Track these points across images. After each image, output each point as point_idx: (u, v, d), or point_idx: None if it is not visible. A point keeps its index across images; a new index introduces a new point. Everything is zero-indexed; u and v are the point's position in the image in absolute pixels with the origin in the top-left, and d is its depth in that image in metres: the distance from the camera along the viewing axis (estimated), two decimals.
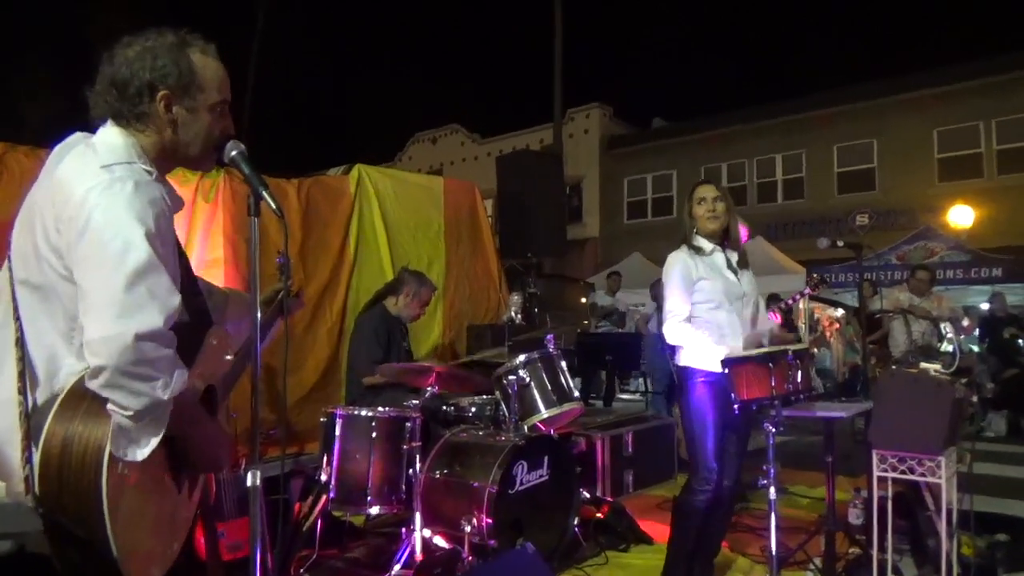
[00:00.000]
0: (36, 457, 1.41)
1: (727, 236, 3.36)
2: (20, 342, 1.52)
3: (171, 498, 1.65)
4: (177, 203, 1.73)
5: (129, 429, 1.42)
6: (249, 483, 1.67)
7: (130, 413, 1.40)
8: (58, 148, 1.61)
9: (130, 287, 1.41)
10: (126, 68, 1.60)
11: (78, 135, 1.63)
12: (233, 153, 1.71)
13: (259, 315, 1.69)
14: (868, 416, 3.65)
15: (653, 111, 24.87)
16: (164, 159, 1.69)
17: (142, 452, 1.44)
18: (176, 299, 1.49)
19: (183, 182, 4.31)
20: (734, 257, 3.36)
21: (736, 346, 3.19)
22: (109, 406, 1.41)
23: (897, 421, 3.14)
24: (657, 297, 7.98)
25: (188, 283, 1.77)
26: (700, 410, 3.17)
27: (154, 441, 1.45)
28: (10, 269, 1.58)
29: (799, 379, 2.97)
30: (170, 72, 1.60)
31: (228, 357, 1.86)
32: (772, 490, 3.00)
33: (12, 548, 1.23)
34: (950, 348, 6.46)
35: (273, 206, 1.64)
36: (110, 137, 1.60)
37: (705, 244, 3.32)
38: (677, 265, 3.27)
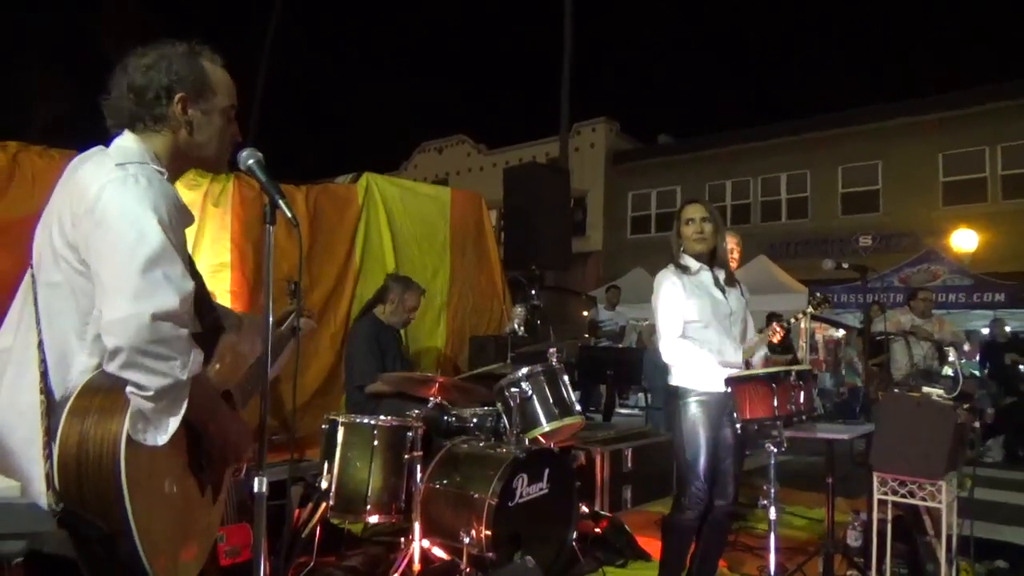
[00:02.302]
0: (54, 453, 1.43)
1: (714, 255, 3.39)
2: (41, 345, 1.55)
3: (194, 500, 1.67)
4: (187, 217, 1.77)
5: (148, 411, 1.44)
6: (256, 489, 1.68)
7: (149, 393, 1.43)
8: (77, 158, 1.66)
9: (146, 271, 1.45)
10: (143, 75, 1.67)
11: (97, 147, 1.69)
12: (250, 162, 1.75)
13: (271, 333, 1.72)
14: (868, 438, 3.66)
15: (659, 127, 25.01)
16: (177, 161, 1.74)
17: (162, 436, 1.46)
18: (190, 284, 1.53)
19: (194, 186, 4.34)
20: (721, 275, 3.38)
21: (735, 359, 3.20)
22: (128, 388, 1.43)
23: (899, 445, 3.15)
24: None
25: (201, 298, 1.80)
26: (693, 430, 3.17)
27: (173, 424, 1.47)
28: (33, 276, 1.62)
29: (801, 400, 2.98)
30: (185, 76, 1.68)
31: (242, 354, 1.88)
32: (773, 510, 3.01)
33: (25, 548, 1.23)
34: (951, 372, 6.46)
35: (289, 215, 1.68)
36: (125, 143, 1.67)
37: (691, 263, 3.34)
38: (665, 284, 3.29)
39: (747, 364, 3.31)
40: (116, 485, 1.38)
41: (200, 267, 4.36)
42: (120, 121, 1.69)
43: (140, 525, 1.40)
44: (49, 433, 1.46)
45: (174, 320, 1.46)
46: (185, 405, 1.48)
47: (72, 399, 1.46)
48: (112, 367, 1.43)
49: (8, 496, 1.31)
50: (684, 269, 3.32)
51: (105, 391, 1.46)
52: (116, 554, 1.39)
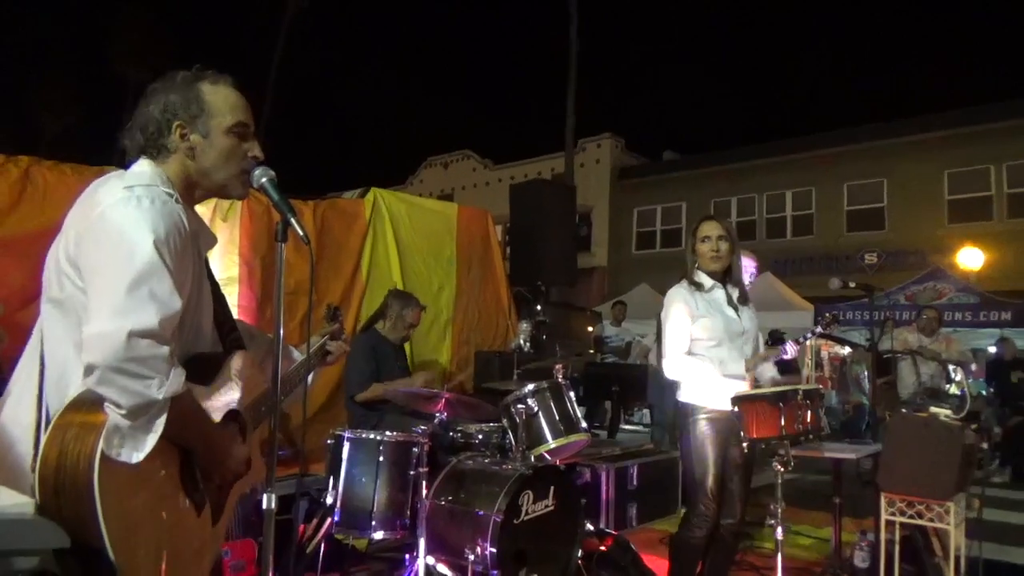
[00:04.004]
0: (36, 466, 1.43)
1: (728, 273, 3.38)
2: (42, 359, 1.58)
3: (188, 520, 1.64)
4: (207, 239, 1.82)
5: (124, 428, 1.43)
6: (264, 506, 1.68)
7: (124, 411, 1.42)
8: (96, 182, 1.69)
9: (132, 288, 1.45)
10: (145, 110, 1.74)
11: (116, 172, 1.73)
12: (264, 180, 1.77)
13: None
14: (876, 458, 3.64)
15: (665, 144, 25.05)
16: (190, 187, 1.77)
17: (137, 454, 1.44)
18: (177, 303, 1.52)
19: (203, 202, 4.37)
20: (735, 293, 3.37)
21: (738, 371, 3.19)
22: (105, 404, 1.43)
23: (907, 465, 3.14)
24: (659, 329, 7.98)
25: (224, 318, 1.84)
26: (702, 447, 3.17)
27: (149, 442, 1.45)
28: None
29: (808, 419, 2.97)
30: (180, 104, 1.72)
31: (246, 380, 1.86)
32: (779, 530, 2.99)
33: (38, 566, 1.23)
34: (958, 392, 6.43)
35: (300, 233, 1.69)
36: (139, 167, 1.72)
37: (705, 280, 3.34)
38: (676, 301, 3.28)
39: (754, 380, 3.30)
40: (90, 500, 1.37)
41: None
42: (134, 155, 1.75)
43: (116, 541, 1.39)
44: (37, 446, 1.47)
45: (153, 338, 1.44)
46: (162, 424, 1.46)
47: (58, 413, 1.46)
48: (89, 383, 1.42)
49: (23, 512, 1.31)
50: (697, 286, 3.31)
51: (88, 406, 1.45)
52: (92, 569, 1.38)
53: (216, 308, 1.81)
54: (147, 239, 1.50)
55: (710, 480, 3.13)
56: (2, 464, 1.55)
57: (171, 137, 1.71)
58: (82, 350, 1.44)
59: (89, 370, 1.42)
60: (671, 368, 3.25)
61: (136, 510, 1.47)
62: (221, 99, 1.76)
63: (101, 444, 1.40)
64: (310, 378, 2.15)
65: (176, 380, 1.48)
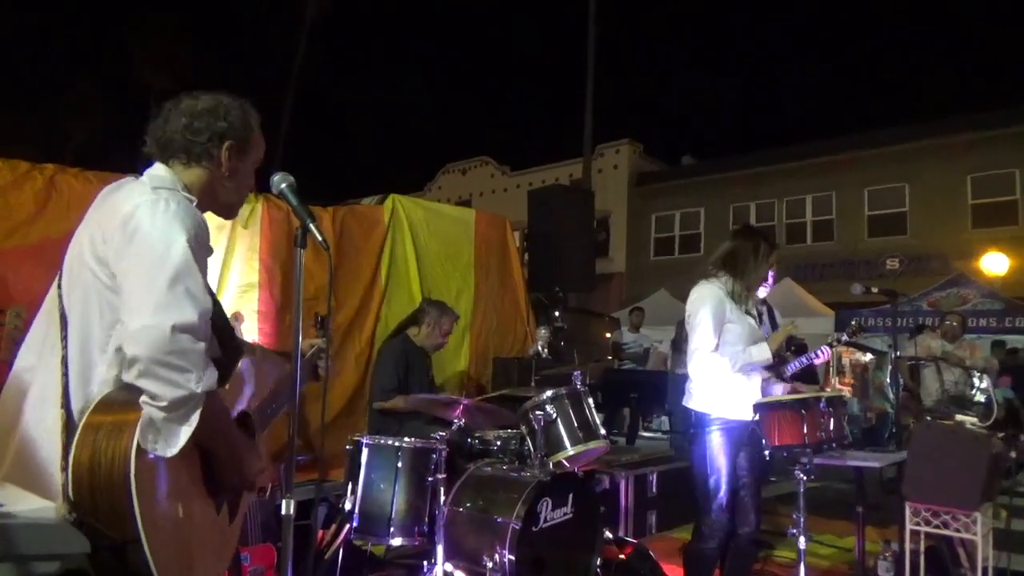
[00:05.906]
0: (69, 465, 1.46)
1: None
2: (64, 360, 1.60)
3: (209, 518, 1.67)
4: (209, 249, 1.84)
5: (159, 421, 1.47)
6: (283, 512, 1.69)
7: (163, 403, 1.46)
8: (111, 186, 1.75)
9: (171, 285, 1.51)
10: (201, 117, 1.77)
11: (129, 177, 1.78)
12: (283, 186, 1.80)
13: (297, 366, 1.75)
14: (900, 466, 3.59)
15: (683, 149, 24.93)
16: (205, 198, 1.81)
17: (171, 448, 1.48)
18: (208, 301, 1.59)
19: None
20: (753, 306, 3.38)
21: (764, 356, 3.17)
22: (142, 398, 1.47)
23: (932, 474, 3.09)
24: (678, 335, 7.92)
25: (223, 324, 1.86)
26: (713, 457, 3.15)
27: (184, 435, 1.49)
28: (60, 296, 1.68)
29: (831, 427, 2.93)
30: (238, 128, 1.81)
31: (252, 386, 1.88)
32: (802, 540, 2.95)
33: (60, 569, 1.24)
34: (983, 399, 6.32)
35: (319, 239, 1.72)
36: (158, 172, 1.76)
37: (738, 288, 3.32)
38: (711, 300, 3.24)
39: (779, 376, 3.29)
40: (127, 495, 1.41)
41: (229, 287, 4.44)
42: (165, 152, 1.77)
43: (150, 536, 1.42)
44: (67, 447, 1.50)
45: (192, 333, 1.51)
46: (197, 418, 1.50)
47: (87, 414, 1.50)
48: (129, 376, 1.47)
49: (44, 517, 1.32)
50: (733, 292, 3.29)
51: (119, 405, 1.49)
52: (127, 564, 1.41)
53: (215, 314, 1.83)
54: (181, 239, 1.56)
55: (723, 490, 3.11)
56: (26, 467, 1.57)
57: (219, 151, 1.78)
58: (125, 345, 1.48)
59: (132, 363, 1.46)
60: (699, 365, 3.21)
61: (167, 507, 1.51)
62: (260, 138, 1.88)
63: (136, 438, 1.44)
64: (328, 384, 2.16)
65: (212, 375, 1.53)
